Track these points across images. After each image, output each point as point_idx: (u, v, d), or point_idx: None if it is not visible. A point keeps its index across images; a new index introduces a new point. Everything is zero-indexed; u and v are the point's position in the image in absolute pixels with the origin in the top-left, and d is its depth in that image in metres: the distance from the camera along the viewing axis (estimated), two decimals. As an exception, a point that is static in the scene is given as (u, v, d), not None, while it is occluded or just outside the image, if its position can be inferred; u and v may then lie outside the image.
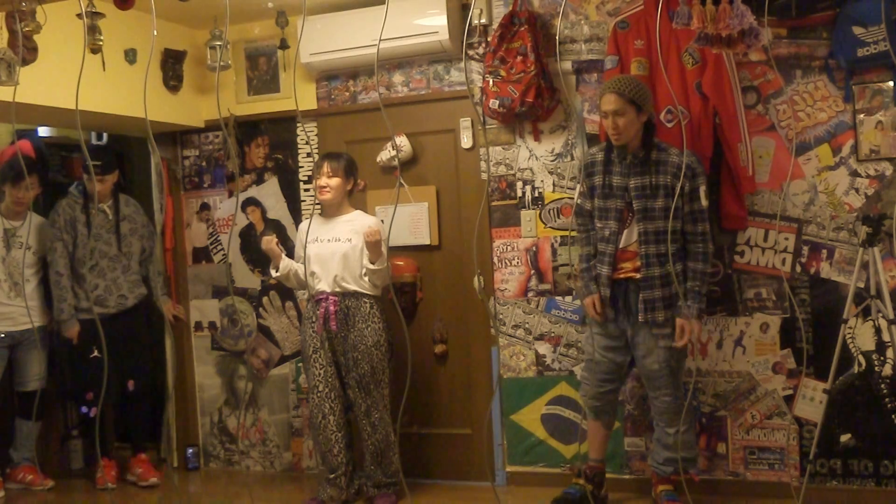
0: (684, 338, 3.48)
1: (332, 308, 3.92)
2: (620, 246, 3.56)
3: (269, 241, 4.05)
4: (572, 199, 4.06)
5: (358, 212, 4.11)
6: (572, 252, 4.04)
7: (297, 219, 4.69)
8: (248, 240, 4.82)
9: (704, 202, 3.48)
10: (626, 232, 3.55)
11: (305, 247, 3.97)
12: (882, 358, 3.67)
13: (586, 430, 3.88)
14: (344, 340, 3.94)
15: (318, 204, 4.14)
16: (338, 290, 3.93)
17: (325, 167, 3.99)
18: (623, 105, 3.42)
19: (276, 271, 4.08)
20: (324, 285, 3.95)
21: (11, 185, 4.43)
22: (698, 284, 3.51)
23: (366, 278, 3.94)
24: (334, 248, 3.94)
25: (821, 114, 3.75)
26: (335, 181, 3.98)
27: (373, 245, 3.85)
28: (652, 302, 3.49)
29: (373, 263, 3.90)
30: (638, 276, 3.51)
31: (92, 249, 4.49)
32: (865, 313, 3.64)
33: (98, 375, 4.35)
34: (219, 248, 4.87)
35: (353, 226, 3.98)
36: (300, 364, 4.64)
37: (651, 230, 3.49)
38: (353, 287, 3.93)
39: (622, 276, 3.57)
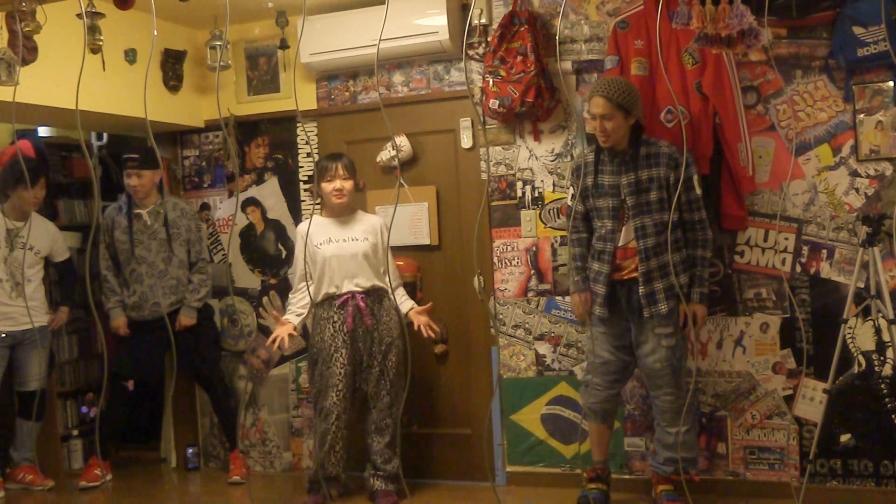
0: (698, 323, 3.59)
1: (361, 304, 3.94)
2: (620, 244, 3.57)
3: (279, 331, 3.98)
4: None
5: (358, 209, 4.15)
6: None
7: (296, 219, 4.69)
8: (248, 240, 4.82)
9: (698, 190, 3.55)
10: (624, 230, 3.57)
11: (306, 248, 3.96)
12: (882, 358, 3.67)
13: (587, 430, 3.88)
14: (371, 335, 3.96)
15: (317, 204, 4.15)
16: (368, 287, 3.96)
17: (341, 170, 3.98)
18: (611, 110, 3.46)
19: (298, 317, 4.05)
20: (350, 285, 3.95)
21: (25, 186, 4.40)
22: (700, 269, 3.58)
23: (384, 273, 3.99)
24: (355, 248, 3.97)
25: (821, 114, 3.74)
26: (350, 183, 4.00)
27: (423, 315, 4.00)
28: (653, 294, 3.50)
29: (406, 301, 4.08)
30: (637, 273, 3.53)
31: (131, 254, 4.47)
32: (865, 313, 3.64)
33: (132, 366, 4.47)
34: (219, 248, 4.87)
35: (364, 224, 4.04)
36: (300, 364, 4.64)
37: (649, 224, 3.51)
38: (378, 283, 3.99)
39: (625, 276, 3.57)
